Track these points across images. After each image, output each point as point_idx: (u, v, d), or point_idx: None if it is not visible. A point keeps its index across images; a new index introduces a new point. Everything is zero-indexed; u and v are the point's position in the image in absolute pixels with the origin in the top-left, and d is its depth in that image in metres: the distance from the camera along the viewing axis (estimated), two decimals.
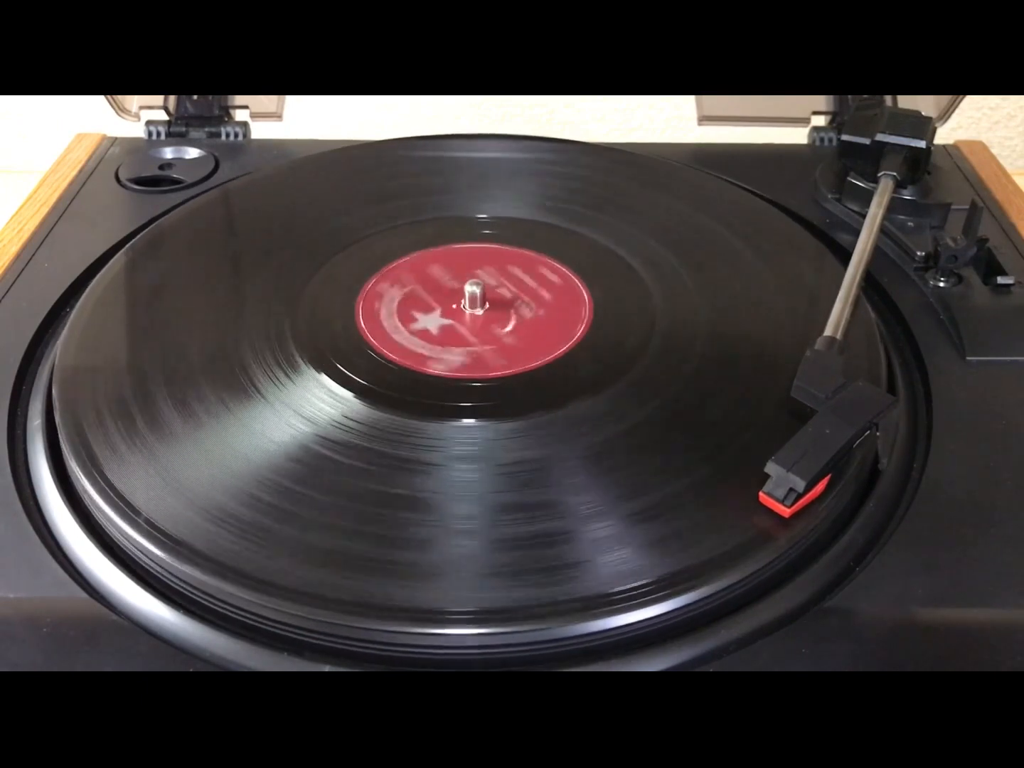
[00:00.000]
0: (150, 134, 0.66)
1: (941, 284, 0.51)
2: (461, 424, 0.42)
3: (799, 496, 0.37)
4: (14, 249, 0.55)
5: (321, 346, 0.46)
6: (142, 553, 0.37)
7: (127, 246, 0.53)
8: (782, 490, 0.38)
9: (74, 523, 0.39)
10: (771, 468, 0.38)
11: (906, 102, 0.64)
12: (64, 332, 0.47)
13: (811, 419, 0.39)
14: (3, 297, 0.51)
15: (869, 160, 0.57)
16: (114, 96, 0.65)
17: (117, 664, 0.34)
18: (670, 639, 0.35)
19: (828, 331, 0.45)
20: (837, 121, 0.67)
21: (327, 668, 0.34)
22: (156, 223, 0.56)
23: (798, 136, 0.68)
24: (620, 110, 0.90)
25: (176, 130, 0.67)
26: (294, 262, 0.52)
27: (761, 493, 0.38)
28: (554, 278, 0.51)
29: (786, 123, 0.68)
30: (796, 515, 0.38)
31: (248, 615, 0.35)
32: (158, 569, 0.37)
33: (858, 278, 0.48)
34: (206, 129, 0.67)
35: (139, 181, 0.62)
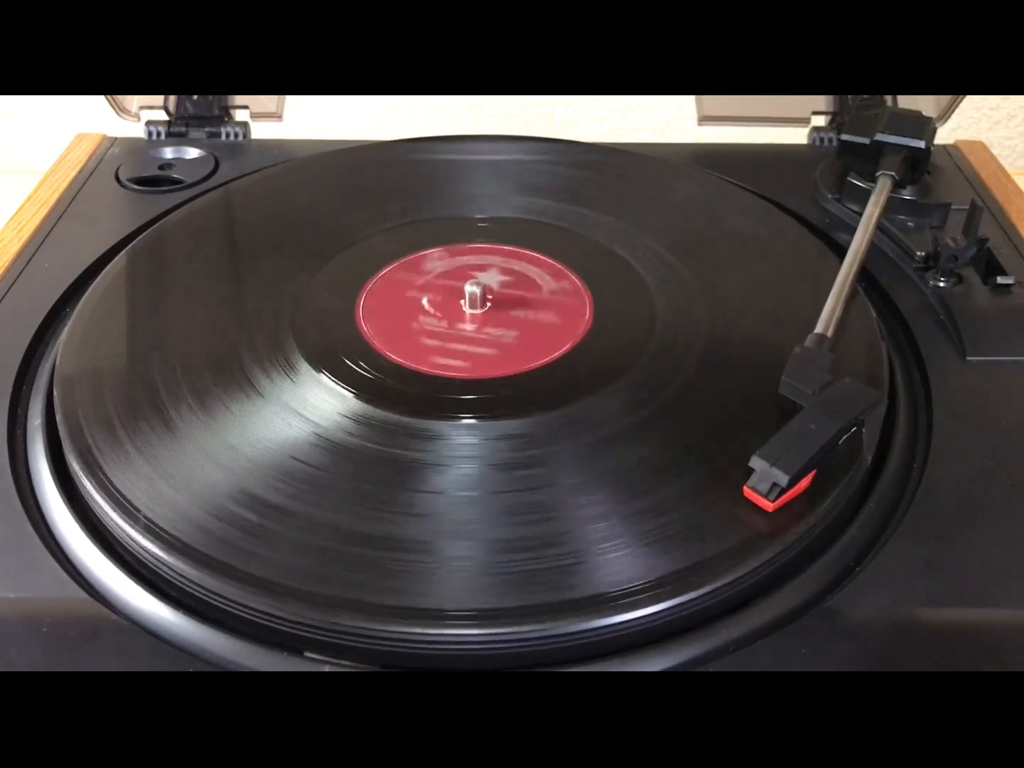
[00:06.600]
0: (150, 134, 0.66)
1: (941, 284, 0.51)
2: (461, 424, 0.42)
3: (783, 491, 0.37)
4: (14, 249, 0.55)
5: (321, 346, 0.46)
6: (142, 553, 0.37)
7: (128, 247, 0.53)
8: (766, 484, 0.38)
9: (74, 523, 0.39)
10: (755, 462, 0.38)
11: (906, 102, 0.64)
12: (65, 332, 0.47)
13: (796, 415, 0.39)
14: (3, 297, 0.51)
15: (869, 160, 0.56)
16: (114, 96, 0.66)
17: (117, 664, 0.34)
18: (670, 639, 0.35)
19: (819, 328, 0.45)
20: (837, 121, 0.67)
21: (327, 668, 0.34)
22: (157, 224, 0.56)
23: (798, 136, 0.68)
24: (620, 110, 0.90)
25: (176, 130, 0.67)
26: (294, 262, 0.52)
27: (745, 487, 0.38)
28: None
29: (786, 123, 0.68)
30: (794, 515, 0.38)
31: (248, 615, 0.35)
32: (158, 569, 0.37)
33: (851, 277, 0.48)
34: (206, 129, 0.67)
35: (139, 181, 0.62)
